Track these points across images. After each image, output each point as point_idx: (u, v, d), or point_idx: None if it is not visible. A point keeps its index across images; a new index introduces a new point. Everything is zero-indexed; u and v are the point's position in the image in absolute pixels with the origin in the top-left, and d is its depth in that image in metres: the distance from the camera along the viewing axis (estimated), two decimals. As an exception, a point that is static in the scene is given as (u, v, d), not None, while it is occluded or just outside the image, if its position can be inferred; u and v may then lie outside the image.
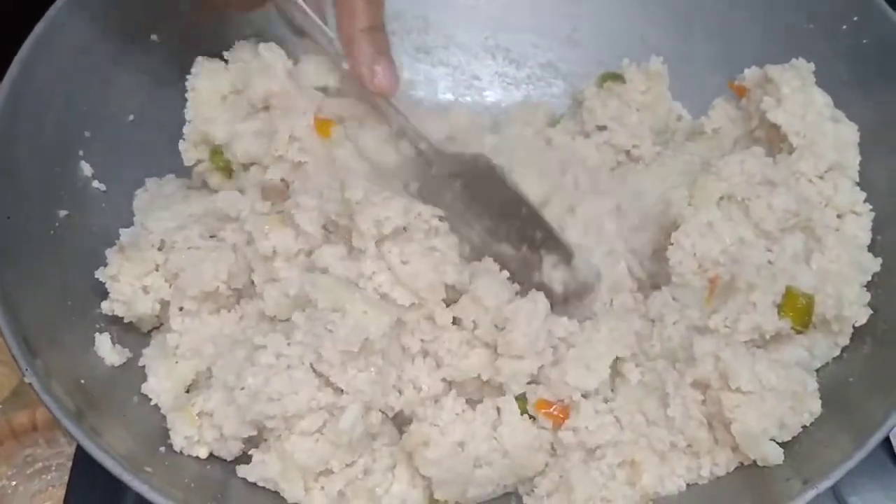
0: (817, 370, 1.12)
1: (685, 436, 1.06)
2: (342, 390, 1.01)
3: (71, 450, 1.46)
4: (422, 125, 1.17)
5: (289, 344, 1.02)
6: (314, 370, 1.01)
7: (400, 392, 1.07)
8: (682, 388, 1.07)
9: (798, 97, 1.22)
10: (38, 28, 1.16)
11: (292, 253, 1.08)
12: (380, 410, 1.05)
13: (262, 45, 1.24)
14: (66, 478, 1.44)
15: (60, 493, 1.47)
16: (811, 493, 0.92)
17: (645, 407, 1.08)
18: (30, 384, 0.96)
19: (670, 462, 1.07)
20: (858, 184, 1.21)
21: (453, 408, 1.05)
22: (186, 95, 1.25)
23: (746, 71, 1.30)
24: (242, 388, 1.01)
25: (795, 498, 0.92)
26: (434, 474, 1.03)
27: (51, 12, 1.17)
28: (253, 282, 1.14)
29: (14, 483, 1.49)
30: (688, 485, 1.07)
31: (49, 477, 1.49)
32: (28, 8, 1.18)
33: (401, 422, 1.10)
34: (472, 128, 1.32)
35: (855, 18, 1.25)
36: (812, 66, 1.24)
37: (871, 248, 1.17)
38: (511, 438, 1.05)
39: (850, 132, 1.22)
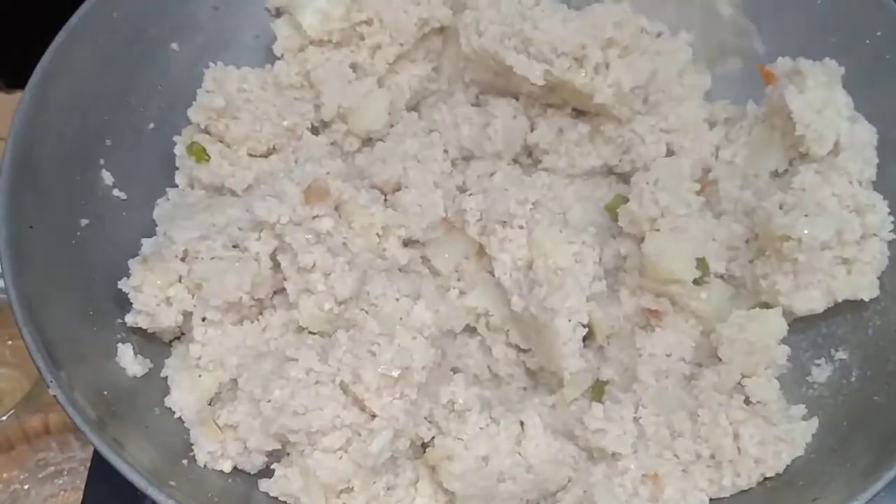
0: (843, 392, 1.13)
1: (709, 444, 1.07)
2: (372, 413, 1.00)
3: (83, 454, 1.47)
4: None
5: (319, 360, 1.02)
6: (343, 389, 1.01)
7: (431, 423, 1.06)
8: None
9: (820, 92, 1.21)
10: (60, 37, 1.16)
11: (331, 268, 1.08)
12: (408, 438, 1.05)
13: None
14: (78, 482, 1.45)
15: (72, 496, 1.48)
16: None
17: (673, 417, 1.09)
18: (54, 396, 0.96)
19: (693, 476, 1.07)
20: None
21: (477, 422, 1.05)
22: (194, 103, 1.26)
23: (779, 59, 1.29)
24: (269, 401, 1.01)
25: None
26: (458, 489, 1.03)
27: (72, 21, 1.17)
28: (275, 292, 1.14)
29: (27, 487, 1.49)
30: (711, 499, 1.06)
31: (61, 481, 1.50)
32: (33, 11, 1.18)
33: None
34: None
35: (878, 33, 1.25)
36: (842, 69, 1.23)
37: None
38: (535, 453, 1.05)
39: (867, 134, 1.21)
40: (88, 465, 1.36)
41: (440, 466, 1.03)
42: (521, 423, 1.06)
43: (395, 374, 1.00)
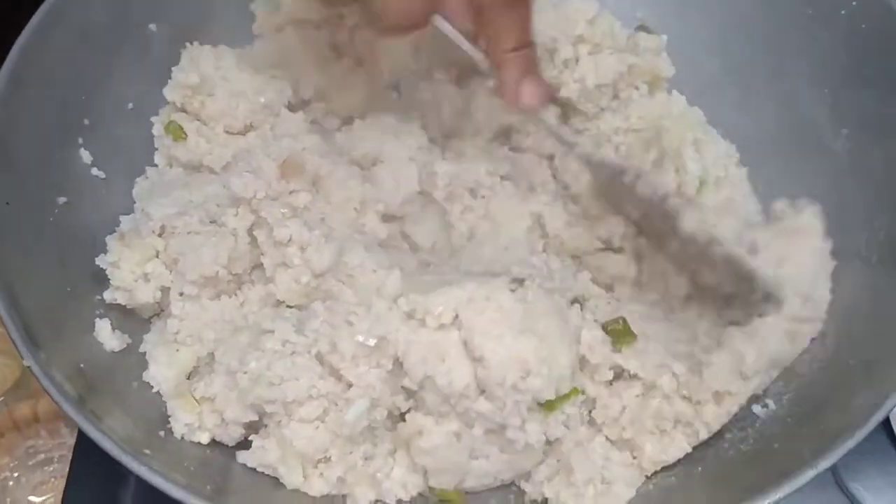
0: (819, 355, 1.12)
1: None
2: (348, 382, 1.01)
3: (72, 441, 1.47)
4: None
5: (296, 331, 1.02)
6: (319, 360, 1.01)
7: (408, 394, 1.06)
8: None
9: None
10: (38, 16, 1.16)
11: (307, 242, 1.08)
12: (385, 408, 1.05)
13: None
14: (67, 469, 1.45)
15: (62, 484, 1.47)
16: (810, 473, 0.92)
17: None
18: (29, 368, 0.96)
19: (668, 435, 1.07)
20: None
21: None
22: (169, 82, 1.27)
23: None
24: (245, 373, 1.01)
25: (796, 477, 0.92)
26: (429, 464, 1.03)
27: (48, 3, 1.17)
28: (252, 267, 1.14)
29: (16, 474, 1.49)
30: (693, 448, 1.07)
31: (51, 468, 1.49)
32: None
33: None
34: None
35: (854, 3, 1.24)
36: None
37: (873, 227, 1.17)
38: None
39: None
40: (78, 450, 1.37)
41: (411, 441, 1.03)
42: None
43: (372, 343, 1.00)
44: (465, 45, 1.07)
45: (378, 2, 0.97)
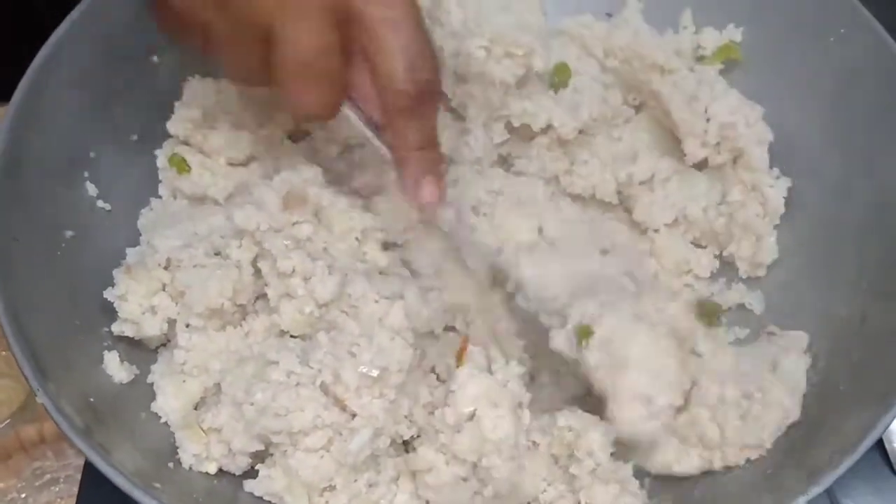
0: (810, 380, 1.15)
1: None
2: (352, 413, 1.03)
3: (78, 461, 1.48)
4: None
5: (300, 362, 1.04)
6: (323, 390, 1.03)
7: (412, 422, 1.08)
8: None
9: None
10: (42, 52, 1.18)
11: (311, 272, 1.10)
12: (389, 437, 1.07)
13: None
14: (73, 489, 1.46)
15: (69, 504, 1.50)
16: (802, 500, 0.94)
17: None
18: (41, 404, 0.98)
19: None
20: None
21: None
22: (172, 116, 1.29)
23: None
24: (251, 404, 1.03)
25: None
26: (432, 498, 1.06)
27: (53, 38, 1.19)
28: (256, 298, 1.16)
29: (24, 495, 1.50)
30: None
31: (57, 489, 1.51)
32: (25, 26, 1.19)
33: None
34: None
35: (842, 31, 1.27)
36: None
37: (861, 251, 1.19)
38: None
39: None
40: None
41: (419, 475, 1.05)
42: None
43: (375, 374, 1.03)
44: (371, 137, 1.10)
45: (292, 95, 0.99)
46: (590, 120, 1.31)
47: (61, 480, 1.52)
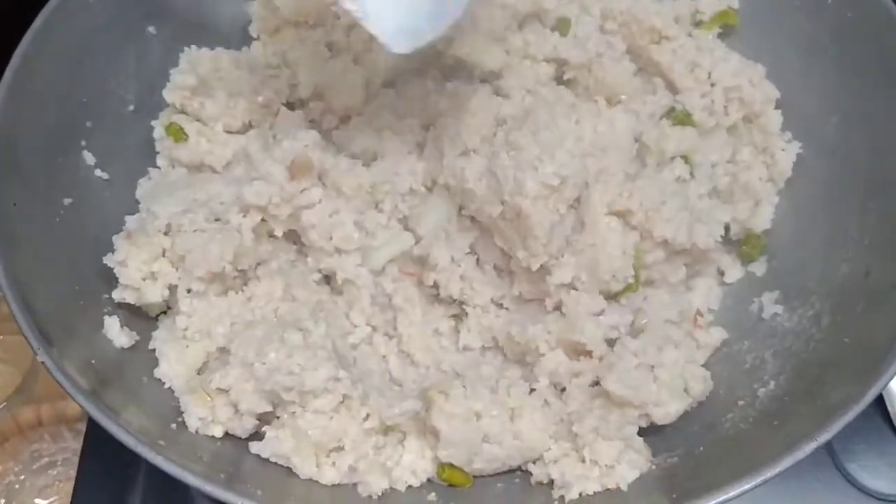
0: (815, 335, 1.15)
1: None
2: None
3: (76, 444, 1.47)
4: None
5: (315, 323, 1.07)
6: (336, 352, 1.04)
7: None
8: None
9: None
10: (38, 21, 1.18)
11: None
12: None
13: None
14: (71, 472, 1.45)
15: (66, 487, 1.48)
16: (811, 446, 0.94)
17: None
18: (42, 363, 0.98)
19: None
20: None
21: (489, 378, 1.10)
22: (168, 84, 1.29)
23: None
24: (263, 363, 1.03)
25: (796, 450, 0.94)
26: (443, 429, 1.05)
27: (49, 6, 1.19)
28: (258, 264, 1.17)
29: (22, 478, 1.49)
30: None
31: (55, 472, 1.50)
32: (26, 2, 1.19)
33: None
34: None
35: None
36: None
37: (864, 210, 1.19)
38: (527, 426, 1.07)
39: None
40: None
41: (435, 401, 1.05)
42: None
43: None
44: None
45: None
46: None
47: (59, 463, 1.51)
